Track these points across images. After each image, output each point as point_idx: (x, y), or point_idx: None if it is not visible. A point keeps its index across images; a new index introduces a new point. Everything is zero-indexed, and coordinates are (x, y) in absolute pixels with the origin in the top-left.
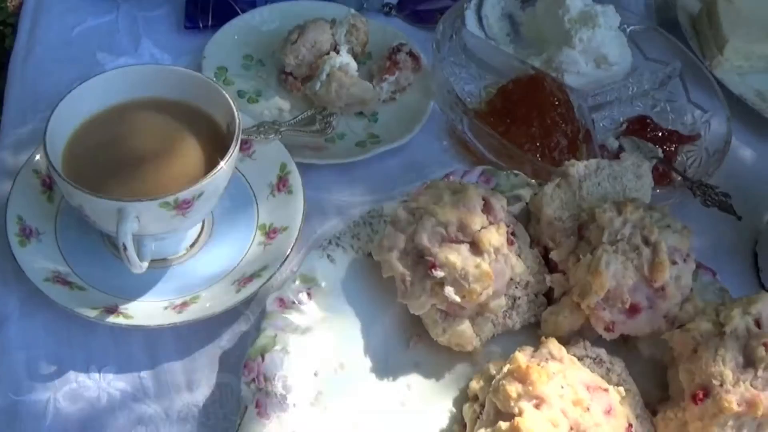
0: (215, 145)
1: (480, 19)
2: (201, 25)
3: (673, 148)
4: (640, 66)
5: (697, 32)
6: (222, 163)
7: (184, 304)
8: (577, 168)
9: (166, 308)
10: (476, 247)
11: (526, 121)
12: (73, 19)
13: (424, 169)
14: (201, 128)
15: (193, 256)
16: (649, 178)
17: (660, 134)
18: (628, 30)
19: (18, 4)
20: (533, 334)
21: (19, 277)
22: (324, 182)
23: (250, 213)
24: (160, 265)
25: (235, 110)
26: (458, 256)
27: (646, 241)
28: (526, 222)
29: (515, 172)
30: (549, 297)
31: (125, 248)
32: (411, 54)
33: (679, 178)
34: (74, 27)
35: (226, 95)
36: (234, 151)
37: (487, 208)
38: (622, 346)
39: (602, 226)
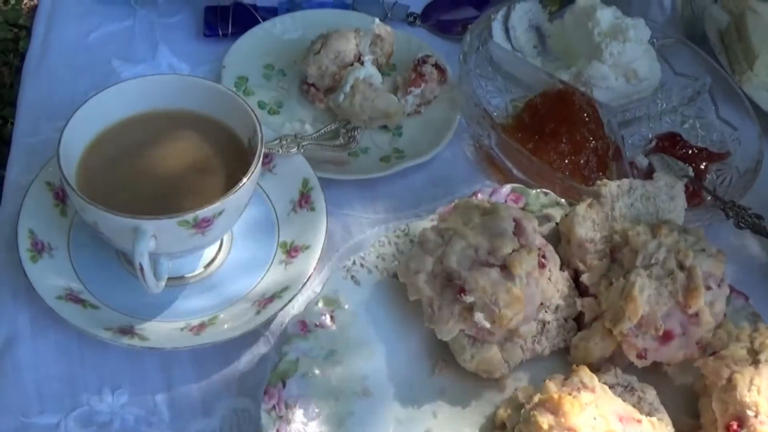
0: (236, 159)
1: (507, 31)
2: (220, 33)
3: (703, 166)
4: (668, 81)
5: (725, 46)
6: (244, 180)
7: (202, 326)
8: (610, 188)
9: (182, 329)
10: (507, 271)
11: (555, 137)
12: (89, 24)
13: (451, 185)
14: (221, 142)
15: (211, 274)
16: (683, 199)
17: (690, 152)
18: (656, 43)
19: (33, 6)
20: (562, 359)
21: (30, 293)
22: (347, 198)
23: (270, 230)
24: (177, 283)
25: (257, 124)
26: (488, 281)
27: (681, 266)
28: (556, 243)
29: (545, 191)
30: (579, 321)
31: (141, 268)
32: (437, 66)
33: (710, 197)
34: (90, 33)
35: (249, 109)
36: (256, 168)
37: (518, 230)
38: (653, 372)
39: (636, 249)
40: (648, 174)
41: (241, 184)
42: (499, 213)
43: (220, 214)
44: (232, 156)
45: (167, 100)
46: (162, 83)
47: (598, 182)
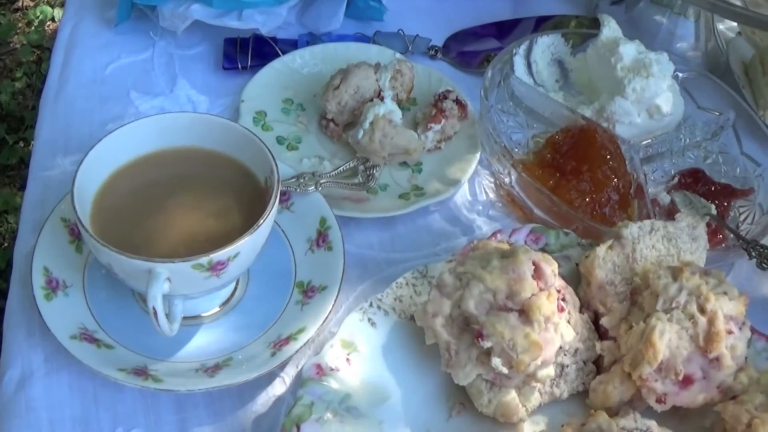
0: (253, 199)
1: (529, 65)
2: (240, 66)
3: (726, 203)
4: (691, 115)
5: (750, 79)
6: (260, 222)
7: (217, 367)
8: (631, 229)
9: (197, 371)
10: (526, 316)
11: (577, 176)
12: (107, 55)
13: (470, 224)
14: (238, 181)
15: (226, 314)
16: (705, 240)
17: (712, 188)
18: (679, 77)
19: (56, 28)
20: (580, 403)
21: (44, 331)
22: (365, 236)
23: (287, 269)
24: (192, 322)
25: (274, 164)
26: (507, 326)
27: (702, 310)
28: (576, 284)
29: (566, 231)
30: (598, 364)
31: (155, 312)
32: (457, 101)
33: (731, 235)
34: (108, 64)
35: (266, 148)
36: (273, 209)
37: (537, 274)
38: (672, 416)
39: (656, 292)
40: (670, 211)
41: (257, 226)
42: (518, 256)
43: (235, 256)
44: (249, 195)
45: (182, 139)
46: (177, 121)
47: (619, 223)
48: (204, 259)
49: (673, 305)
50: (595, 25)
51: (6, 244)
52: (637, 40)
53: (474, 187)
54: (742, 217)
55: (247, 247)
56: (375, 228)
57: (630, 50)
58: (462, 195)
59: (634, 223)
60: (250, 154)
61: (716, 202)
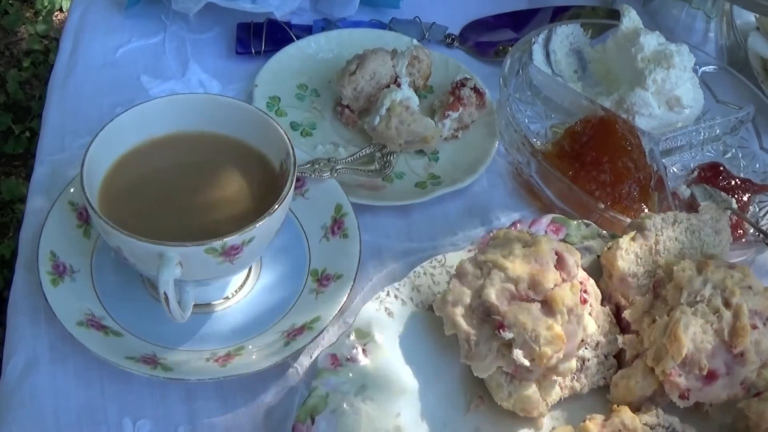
0: (267, 183)
1: (547, 55)
2: (253, 51)
3: (745, 198)
4: (711, 109)
5: None
6: (276, 206)
7: (228, 356)
8: (654, 221)
9: (208, 360)
10: (548, 307)
11: (597, 166)
12: (117, 39)
13: (488, 213)
14: (252, 165)
15: (239, 302)
16: (728, 233)
17: (732, 182)
18: (699, 70)
19: (64, 18)
20: (601, 398)
21: (50, 317)
22: (381, 224)
23: (301, 256)
24: (203, 310)
25: (290, 148)
26: (529, 317)
27: (727, 304)
28: (597, 276)
29: (586, 222)
30: (619, 358)
31: (166, 297)
32: (475, 89)
33: (752, 230)
34: (118, 48)
35: (282, 131)
36: (289, 193)
37: (560, 264)
38: (693, 413)
39: (681, 285)
40: (690, 205)
41: (272, 210)
42: (541, 245)
43: (249, 241)
44: (263, 180)
45: (195, 121)
46: (190, 103)
47: (642, 214)
48: (217, 243)
49: (698, 299)
50: (613, 15)
51: (12, 234)
52: (657, 31)
53: (492, 177)
54: (762, 213)
55: (261, 231)
56: (391, 216)
57: (651, 41)
58: (479, 184)
59: (658, 214)
60: (265, 137)
61: (736, 196)
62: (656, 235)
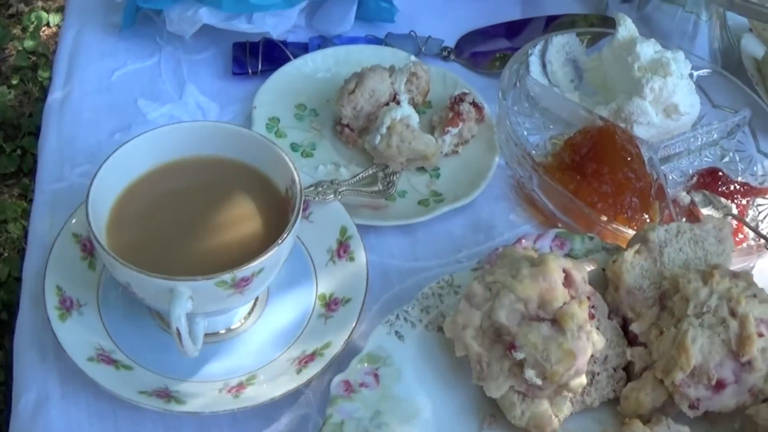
0: (273, 209)
1: (544, 66)
2: (250, 71)
3: (745, 202)
4: (707, 113)
5: (762, 76)
6: (285, 236)
7: (240, 386)
8: (658, 233)
9: (221, 390)
10: (558, 325)
11: (598, 178)
12: (113, 62)
13: (491, 229)
14: (257, 190)
15: (248, 329)
16: (731, 241)
17: (731, 187)
18: (694, 75)
19: (52, 33)
20: (611, 410)
21: (60, 352)
22: (386, 244)
23: (308, 281)
24: (213, 339)
25: (296, 175)
26: (539, 336)
27: (733, 313)
28: (603, 289)
29: (590, 235)
30: (628, 371)
31: (179, 333)
32: (474, 104)
33: (753, 235)
34: (114, 71)
35: (287, 158)
36: (296, 221)
37: (567, 281)
38: (702, 421)
39: (687, 297)
40: (690, 212)
41: (281, 240)
42: (549, 264)
43: (259, 272)
44: (269, 204)
45: (200, 148)
46: (194, 131)
47: (646, 226)
48: (228, 276)
49: (704, 309)
50: (606, 23)
51: (6, 254)
52: (653, 39)
53: (494, 191)
54: (761, 216)
55: (271, 261)
56: (395, 235)
57: (647, 49)
58: (482, 199)
59: (661, 226)
60: (270, 162)
61: (735, 201)
62: (660, 246)
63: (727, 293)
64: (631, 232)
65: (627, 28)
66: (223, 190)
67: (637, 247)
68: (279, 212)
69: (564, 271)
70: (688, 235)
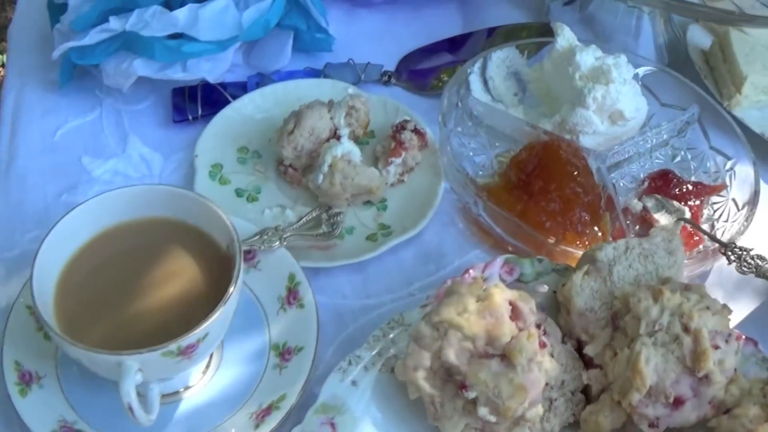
0: (216, 267)
1: (485, 82)
2: (190, 117)
3: (698, 202)
4: (656, 113)
5: (711, 68)
6: (225, 298)
7: None
8: (606, 252)
9: None
10: (508, 360)
11: (545, 196)
12: (55, 120)
13: (441, 258)
14: (200, 250)
15: (206, 384)
16: (682, 252)
17: (684, 188)
18: (639, 75)
19: None
20: None
21: (24, 427)
22: (337, 284)
23: (261, 331)
24: (172, 399)
25: (233, 233)
26: (489, 373)
27: (686, 328)
28: (555, 312)
29: (539, 257)
30: (586, 392)
31: (130, 408)
32: (416, 131)
33: (707, 238)
34: (56, 129)
35: (223, 216)
36: (237, 283)
37: (515, 314)
38: None
39: (638, 316)
40: (643, 219)
41: (223, 303)
42: (494, 299)
43: (204, 337)
44: (212, 264)
45: (141, 210)
46: (134, 195)
47: (593, 246)
48: (173, 346)
49: (656, 327)
50: (547, 31)
51: None
52: (594, 45)
53: (442, 217)
54: (717, 215)
55: (215, 325)
56: (346, 274)
57: (587, 58)
58: (430, 228)
59: (609, 244)
60: (209, 221)
61: (689, 202)
62: (609, 265)
63: (678, 309)
64: (579, 252)
65: (565, 37)
66: (166, 252)
67: (585, 268)
68: (222, 270)
69: (510, 303)
70: (637, 250)
